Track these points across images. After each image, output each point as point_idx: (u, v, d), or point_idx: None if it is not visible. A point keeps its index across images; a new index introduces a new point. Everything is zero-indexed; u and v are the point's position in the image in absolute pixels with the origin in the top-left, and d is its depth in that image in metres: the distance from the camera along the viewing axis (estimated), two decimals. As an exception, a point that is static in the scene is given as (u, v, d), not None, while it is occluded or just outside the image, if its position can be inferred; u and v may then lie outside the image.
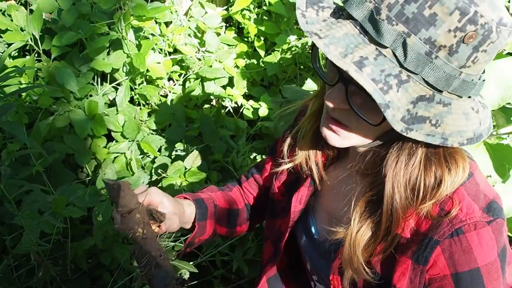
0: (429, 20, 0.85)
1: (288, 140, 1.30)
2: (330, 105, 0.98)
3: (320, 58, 1.07)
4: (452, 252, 0.99)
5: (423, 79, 0.89)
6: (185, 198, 1.41)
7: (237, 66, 2.94)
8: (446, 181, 1.00)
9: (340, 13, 0.95)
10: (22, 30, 2.51)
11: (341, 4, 0.96)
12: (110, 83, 2.62)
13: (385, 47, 0.88)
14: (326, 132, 1.06)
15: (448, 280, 0.99)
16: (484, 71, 0.97)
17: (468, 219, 0.99)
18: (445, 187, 0.99)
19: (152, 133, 2.63)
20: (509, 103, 1.65)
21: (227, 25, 3.16)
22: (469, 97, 0.96)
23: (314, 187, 1.28)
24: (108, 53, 2.59)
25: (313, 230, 1.31)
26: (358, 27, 0.91)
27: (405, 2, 0.86)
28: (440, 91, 0.91)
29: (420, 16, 0.85)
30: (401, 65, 0.88)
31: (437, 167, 1.00)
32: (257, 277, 1.49)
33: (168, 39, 2.75)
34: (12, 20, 2.51)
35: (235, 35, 3.08)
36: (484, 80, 0.97)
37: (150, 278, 1.02)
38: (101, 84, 2.62)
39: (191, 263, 2.19)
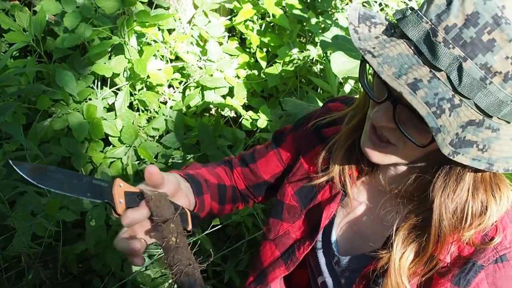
0: (487, 46, 0.84)
1: (323, 153, 1.26)
2: (377, 123, 0.97)
3: (367, 74, 1.06)
4: (496, 278, 0.99)
5: (475, 104, 0.88)
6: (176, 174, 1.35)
7: (238, 76, 2.94)
8: (492, 208, 0.99)
9: (392, 30, 0.94)
10: (24, 30, 2.50)
11: (395, 21, 0.95)
12: (110, 88, 2.61)
13: (440, 70, 0.87)
14: (367, 149, 1.05)
15: None
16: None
17: None
18: (490, 215, 0.99)
19: (149, 140, 2.62)
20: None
21: (230, 35, 3.17)
22: None
23: (343, 201, 1.26)
24: (110, 58, 2.59)
25: (333, 245, 1.28)
26: (412, 48, 0.89)
27: (464, 25, 0.84)
28: (490, 117, 0.90)
29: (478, 41, 0.84)
30: (455, 90, 0.86)
31: (483, 195, 0.99)
32: (254, 278, 1.45)
33: (170, 46, 2.75)
34: (15, 20, 2.50)
35: (237, 45, 3.08)
36: None
37: (179, 285, 1.02)
38: (101, 88, 2.62)
39: (183, 272, 2.17)
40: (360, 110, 1.18)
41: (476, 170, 0.96)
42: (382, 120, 0.96)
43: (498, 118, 0.90)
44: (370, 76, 1.07)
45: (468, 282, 1.00)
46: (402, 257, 1.04)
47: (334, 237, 1.28)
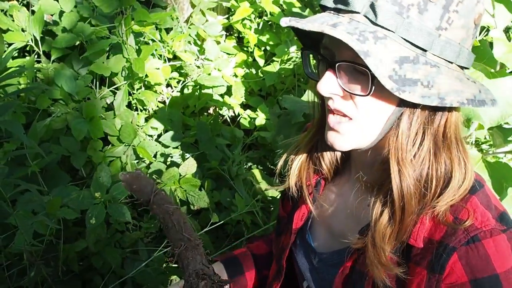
0: None
1: (281, 162, 1.31)
2: (322, 89, 1.00)
3: (310, 64, 1.10)
4: (469, 259, 0.98)
5: (402, 38, 0.91)
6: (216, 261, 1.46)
7: (235, 75, 2.96)
8: (455, 171, 1.01)
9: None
10: (23, 30, 2.51)
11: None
12: (108, 87, 2.62)
13: (358, 13, 0.92)
14: (330, 137, 1.07)
15: (466, 287, 0.98)
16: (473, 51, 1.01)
17: (483, 227, 0.99)
18: (456, 180, 1.01)
19: (148, 139, 2.63)
20: (507, 123, 1.67)
21: (228, 34, 3.18)
22: (463, 69, 0.99)
23: (313, 203, 1.28)
24: (108, 57, 2.60)
25: (312, 244, 1.30)
26: (332, 11, 0.97)
27: None
28: (424, 51, 0.93)
29: None
30: (375, 24, 0.91)
31: (446, 156, 1.02)
32: None
33: (168, 46, 2.76)
34: (13, 20, 2.51)
35: (235, 44, 3.10)
36: (472, 53, 1.00)
37: (182, 269, 1.02)
38: (100, 88, 2.63)
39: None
40: (312, 113, 1.23)
41: (434, 133, 1.00)
42: (325, 85, 0.99)
43: (434, 55, 0.94)
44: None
45: (442, 267, 0.99)
46: (378, 221, 1.04)
47: (311, 239, 1.30)
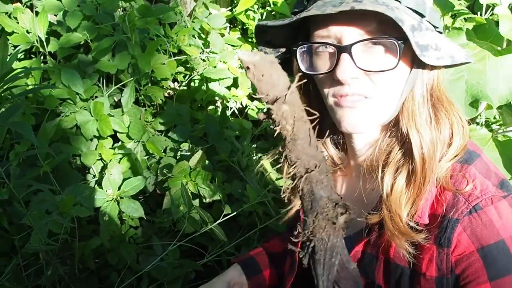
0: None
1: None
2: (344, 76, 1.00)
3: (303, 62, 1.10)
4: (474, 228, 0.99)
5: (406, 7, 0.96)
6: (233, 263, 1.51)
7: (241, 67, 2.95)
8: (455, 133, 1.05)
9: None
10: (28, 32, 2.52)
11: None
12: (115, 85, 2.63)
13: None
14: (348, 121, 1.06)
15: (475, 256, 0.99)
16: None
17: (483, 195, 1.00)
18: (457, 140, 1.04)
19: (157, 134, 2.64)
20: (517, 101, 1.66)
21: (231, 26, 3.18)
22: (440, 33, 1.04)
23: None
24: (113, 55, 2.60)
25: None
26: None
27: None
28: (422, 17, 0.98)
29: None
30: None
31: (445, 117, 1.05)
32: None
33: (172, 40, 2.76)
34: (18, 23, 2.52)
35: (240, 36, 3.09)
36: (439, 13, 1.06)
37: (300, 196, 0.79)
38: (107, 86, 2.63)
39: (198, 262, 2.19)
40: None
41: (430, 95, 1.05)
42: (347, 70, 0.99)
43: (427, 21, 1.00)
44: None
45: (449, 240, 1.01)
46: (393, 189, 1.05)
47: None
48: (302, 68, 1.08)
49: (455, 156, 1.04)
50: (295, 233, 0.80)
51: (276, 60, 0.72)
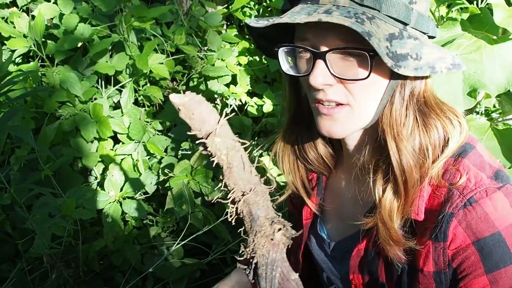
0: None
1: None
2: (317, 83, 0.98)
3: (286, 61, 1.08)
4: (469, 221, 0.98)
5: (386, 15, 0.94)
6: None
7: (239, 64, 2.94)
8: (451, 133, 1.02)
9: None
10: (25, 36, 2.52)
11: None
12: (114, 86, 2.63)
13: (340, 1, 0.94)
14: (325, 127, 1.06)
15: (471, 249, 0.98)
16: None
17: (478, 187, 0.99)
18: (455, 140, 1.02)
19: (157, 134, 2.64)
20: (514, 88, 1.65)
21: (228, 23, 3.17)
22: (430, 37, 1.03)
23: (320, 197, 1.30)
24: (111, 56, 2.60)
25: (324, 236, 1.31)
26: (308, 2, 0.98)
27: None
28: (406, 25, 0.96)
29: None
30: (361, 4, 0.93)
31: (435, 120, 1.02)
32: None
33: (170, 40, 2.76)
34: (14, 27, 2.52)
35: (236, 33, 3.08)
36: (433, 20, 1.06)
37: (241, 217, 0.86)
38: (105, 87, 2.63)
39: (202, 261, 2.20)
40: (287, 112, 1.22)
41: (417, 103, 1.02)
42: (319, 77, 0.98)
43: (412, 28, 0.97)
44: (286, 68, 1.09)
45: (445, 234, 1.00)
46: (382, 198, 1.05)
47: (324, 230, 1.32)
48: (284, 68, 1.07)
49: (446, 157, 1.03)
50: (240, 251, 0.87)
51: (203, 99, 0.79)
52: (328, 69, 0.97)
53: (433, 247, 1.02)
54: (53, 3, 2.64)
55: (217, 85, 2.82)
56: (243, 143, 0.85)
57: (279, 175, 2.48)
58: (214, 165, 0.80)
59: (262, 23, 1.01)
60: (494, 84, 1.49)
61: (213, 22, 2.90)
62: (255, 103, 2.84)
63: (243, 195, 0.84)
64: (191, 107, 0.78)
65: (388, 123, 1.02)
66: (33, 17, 2.57)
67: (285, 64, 1.07)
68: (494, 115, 2.51)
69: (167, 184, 2.32)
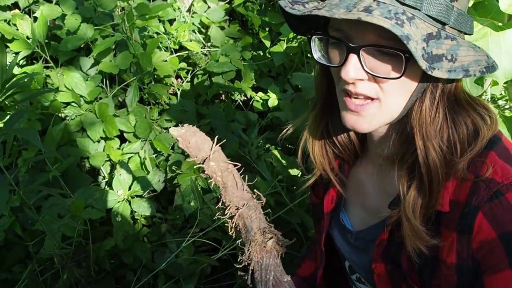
0: None
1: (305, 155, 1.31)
2: (348, 77, 0.98)
3: (318, 49, 1.07)
4: (495, 214, 0.97)
5: (426, 15, 0.92)
6: None
7: (243, 59, 2.94)
8: (481, 127, 1.01)
9: None
10: (28, 38, 2.52)
11: None
12: (118, 85, 2.63)
13: None
14: (350, 121, 1.05)
15: (496, 242, 0.97)
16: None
17: (504, 180, 0.98)
18: (483, 134, 1.01)
19: (164, 132, 2.64)
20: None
21: (231, 18, 3.17)
22: (466, 35, 1.01)
23: (343, 185, 1.29)
24: (115, 55, 2.60)
25: (347, 225, 1.30)
26: None
27: None
28: (444, 25, 0.94)
29: None
30: (402, 3, 0.91)
31: (465, 117, 1.02)
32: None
33: (173, 37, 2.76)
34: (17, 29, 2.52)
35: (239, 28, 3.08)
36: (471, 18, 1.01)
37: (237, 231, 0.99)
38: (110, 86, 2.63)
39: (212, 257, 2.20)
40: (319, 97, 1.20)
41: (447, 99, 1.01)
42: (352, 71, 0.97)
43: (450, 27, 0.95)
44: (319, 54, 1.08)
45: (470, 227, 0.99)
46: (406, 195, 1.04)
47: (347, 220, 1.31)
48: (315, 56, 1.06)
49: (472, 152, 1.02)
50: (238, 259, 0.98)
51: (197, 129, 0.96)
52: (361, 64, 0.96)
53: (458, 239, 1.01)
54: (55, 3, 2.63)
55: (222, 81, 2.82)
56: (235, 165, 1.00)
57: (288, 168, 2.47)
58: (212, 186, 0.94)
59: (298, 9, 0.99)
60: (502, 71, 1.47)
61: (215, 18, 2.90)
62: (260, 98, 2.83)
63: (237, 209, 0.96)
64: (187, 137, 0.94)
65: (418, 121, 1.01)
66: (35, 18, 2.56)
67: (316, 52, 1.06)
68: (500, 102, 2.50)
69: (175, 181, 2.32)
